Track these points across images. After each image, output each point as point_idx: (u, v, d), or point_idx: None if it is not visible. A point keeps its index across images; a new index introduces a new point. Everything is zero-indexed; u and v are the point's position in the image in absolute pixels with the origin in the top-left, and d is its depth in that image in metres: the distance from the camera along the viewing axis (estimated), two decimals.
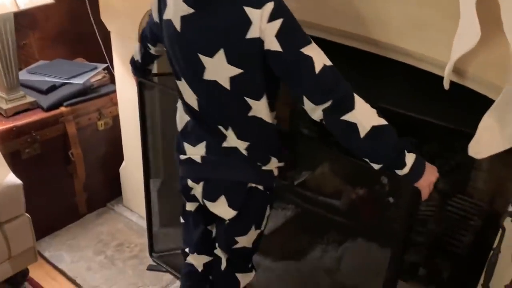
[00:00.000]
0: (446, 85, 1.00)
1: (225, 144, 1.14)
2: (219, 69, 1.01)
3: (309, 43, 0.96)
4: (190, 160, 1.20)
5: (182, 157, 1.22)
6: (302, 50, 0.94)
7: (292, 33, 0.95)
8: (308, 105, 0.99)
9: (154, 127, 1.88)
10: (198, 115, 1.15)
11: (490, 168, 1.64)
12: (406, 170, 0.99)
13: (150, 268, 1.86)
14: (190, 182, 1.23)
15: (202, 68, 1.03)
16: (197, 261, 1.39)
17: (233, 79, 1.01)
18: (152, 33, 1.25)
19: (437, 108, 1.34)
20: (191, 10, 0.99)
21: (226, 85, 1.03)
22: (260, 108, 1.06)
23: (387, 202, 1.81)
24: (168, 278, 1.82)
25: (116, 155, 2.12)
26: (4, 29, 1.67)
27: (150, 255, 1.90)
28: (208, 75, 1.04)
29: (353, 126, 0.96)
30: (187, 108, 1.17)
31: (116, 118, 2.06)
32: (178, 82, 1.15)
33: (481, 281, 0.94)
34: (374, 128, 0.97)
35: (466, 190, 1.67)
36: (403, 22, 1.07)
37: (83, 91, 1.95)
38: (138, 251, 1.95)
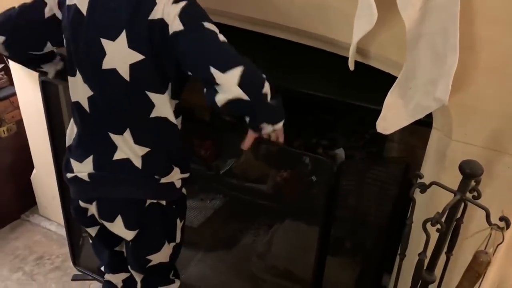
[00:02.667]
0: (351, 66, 1.02)
1: (116, 157, 1.05)
2: (119, 54, 0.95)
3: (211, 21, 0.93)
4: (77, 178, 1.10)
5: (69, 175, 1.12)
6: (203, 23, 0.92)
7: (193, 13, 0.93)
8: (217, 76, 0.88)
9: (61, 125, 1.76)
10: (87, 120, 1.06)
11: (401, 138, 1.74)
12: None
13: (75, 278, 1.76)
14: (82, 204, 1.13)
15: (102, 54, 0.96)
16: (115, 278, 1.34)
17: (133, 68, 0.95)
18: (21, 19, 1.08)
19: (347, 87, 1.38)
20: None
21: (126, 75, 0.96)
22: (163, 105, 1.00)
23: (310, 180, 1.86)
24: (96, 285, 1.73)
25: (25, 162, 1.96)
26: None
27: (74, 264, 1.80)
28: (107, 63, 0.97)
29: (266, 96, 0.94)
30: (77, 111, 1.07)
31: (20, 123, 1.90)
32: (70, 79, 1.06)
33: (399, 250, 0.99)
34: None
35: (381, 162, 1.76)
36: (304, 4, 1.07)
37: None
38: (60, 262, 1.84)
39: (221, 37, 0.92)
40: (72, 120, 1.13)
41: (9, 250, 1.88)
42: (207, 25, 0.92)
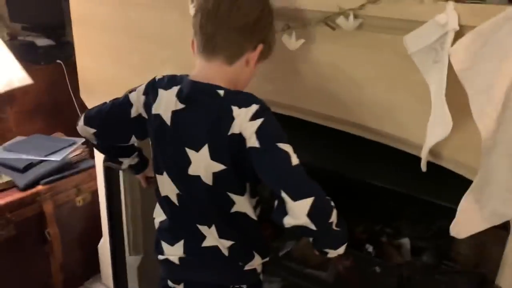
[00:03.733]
0: (424, 168, 1.02)
1: (205, 244, 1.11)
2: (203, 164, 1.02)
3: (286, 142, 0.96)
4: (168, 261, 1.16)
5: (161, 257, 1.18)
6: (277, 144, 0.94)
7: (269, 132, 0.97)
8: (288, 201, 0.91)
9: (134, 198, 1.86)
10: (177, 212, 1.13)
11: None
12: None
13: None
14: (171, 283, 1.19)
15: (188, 162, 1.03)
16: None
17: (216, 175, 1.02)
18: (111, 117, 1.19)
19: (417, 183, 1.36)
20: (182, 106, 1.03)
21: (209, 181, 1.03)
22: (243, 203, 1.06)
23: (374, 271, 1.79)
24: None
25: (94, 230, 2.06)
26: None
27: None
28: (192, 170, 1.04)
29: (332, 224, 0.95)
30: (166, 203, 1.14)
31: (95, 193, 2.02)
32: (158, 176, 1.13)
33: None
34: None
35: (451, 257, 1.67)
36: (375, 105, 1.10)
37: (61, 168, 1.93)
38: None
39: (294, 160, 0.94)
40: (158, 205, 1.20)
41: None
42: (282, 145, 0.94)
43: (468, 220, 1.00)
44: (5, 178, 1.81)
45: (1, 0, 2.90)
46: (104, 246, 2.08)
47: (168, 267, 1.18)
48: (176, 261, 1.14)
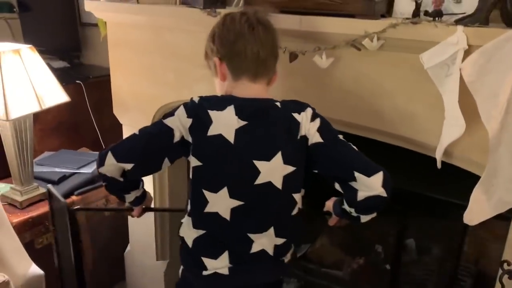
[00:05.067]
0: (439, 165, 1.19)
1: (252, 250, 1.14)
2: (274, 171, 1.10)
3: (340, 134, 1.15)
4: (216, 274, 1.15)
5: (206, 272, 1.15)
6: (338, 136, 1.13)
7: (328, 127, 1.14)
8: (360, 180, 1.06)
9: (161, 203, 1.98)
10: (224, 226, 1.13)
11: (474, 233, 1.82)
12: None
13: None
14: None
15: (256, 173, 1.10)
16: None
17: (286, 177, 1.11)
18: (150, 151, 1.15)
19: (429, 182, 1.52)
20: (244, 122, 1.10)
21: (279, 185, 1.11)
22: (300, 201, 1.18)
23: (384, 269, 1.94)
24: None
25: (121, 239, 2.18)
26: (24, 126, 1.80)
27: None
28: (261, 179, 1.10)
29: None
30: (211, 220, 1.13)
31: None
32: (210, 195, 1.12)
33: None
34: None
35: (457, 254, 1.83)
36: (395, 113, 1.28)
37: (91, 180, 2.06)
38: None
39: (354, 147, 1.12)
40: (190, 223, 1.18)
41: None
42: (341, 137, 1.14)
43: (479, 209, 1.17)
44: (42, 190, 1.93)
45: (16, 24, 3.07)
46: (131, 254, 2.20)
47: (215, 280, 1.17)
48: (226, 272, 1.15)
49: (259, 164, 1.10)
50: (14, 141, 1.78)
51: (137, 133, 1.16)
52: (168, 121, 1.13)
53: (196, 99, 1.15)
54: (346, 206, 1.15)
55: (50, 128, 2.59)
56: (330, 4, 1.25)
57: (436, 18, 1.13)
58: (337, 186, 1.14)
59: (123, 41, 1.82)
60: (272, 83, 1.17)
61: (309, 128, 1.12)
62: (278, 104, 1.14)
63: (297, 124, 1.11)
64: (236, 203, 1.12)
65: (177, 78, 1.71)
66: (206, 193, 1.13)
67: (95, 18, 1.92)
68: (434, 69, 1.13)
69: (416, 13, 1.16)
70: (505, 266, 1.09)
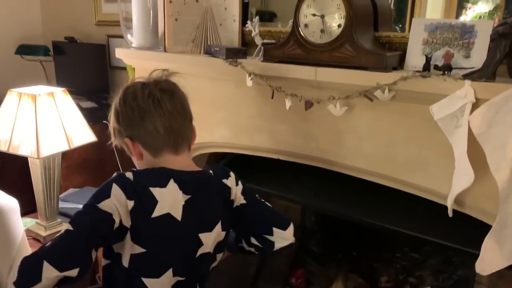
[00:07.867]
0: (450, 213, 1.22)
1: None
2: (213, 239, 1.11)
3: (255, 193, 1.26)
4: None
5: None
6: (256, 196, 1.25)
7: (248, 189, 1.23)
8: (277, 234, 1.20)
9: None
10: None
11: (490, 281, 1.79)
12: None
13: None
14: None
15: (199, 246, 1.08)
16: None
17: (218, 243, 1.14)
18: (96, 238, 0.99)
19: (440, 229, 1.53)
20: (188, 196, 1.05)
21: (212, 249, 1.13)
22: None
23: None
24: None
25: None
26: (53, 164, 1.90)
27: None
28: (201, 250, 1.09)
29: None
30: None
31: None
32: (151, 281, 1.02)
33: None
34: None
35: None
36: (407, 160, 1.32)
37: None
38: None
39: (268, 203, 1.25)
40: None
41: None
42: (257, 196, 1.25)
43: (491, 259, 1.17)
44: (65, 226, 1.99)
45: (50, 66, 3.26)
46: None
47: None
48: None
49: (202, 236, 1.09)
50: (43, 178, 1.87)
51: (72, 228, 0.98)
52: (104, 206, 0.97)
53: (129, 175, 1.01)
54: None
55: (76, 165, 2.70)
56: (344, 57, 1.32)
57: (446, 72, 1.19)
58: (252, 240, 1.23)
59: None
60: (192, 145, 1.15)
61: (235, 191, 1.19)
62: (211, 172, 1.15)
63: (228, 189, 1.16)
64: (177, 279, 1.07)
65: (199, 121, 1.78)
66: (147, 280, 1.02)
67: (124, 62, 2.04)
68: (444, 120, 1.18)
69: (426, 67, 1.22)
70: None
